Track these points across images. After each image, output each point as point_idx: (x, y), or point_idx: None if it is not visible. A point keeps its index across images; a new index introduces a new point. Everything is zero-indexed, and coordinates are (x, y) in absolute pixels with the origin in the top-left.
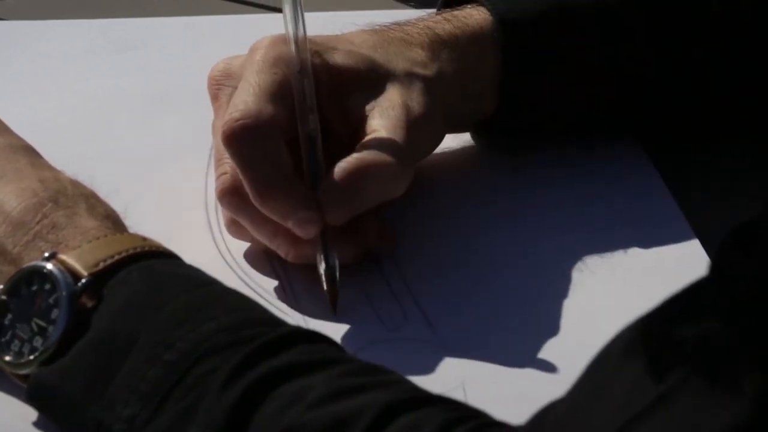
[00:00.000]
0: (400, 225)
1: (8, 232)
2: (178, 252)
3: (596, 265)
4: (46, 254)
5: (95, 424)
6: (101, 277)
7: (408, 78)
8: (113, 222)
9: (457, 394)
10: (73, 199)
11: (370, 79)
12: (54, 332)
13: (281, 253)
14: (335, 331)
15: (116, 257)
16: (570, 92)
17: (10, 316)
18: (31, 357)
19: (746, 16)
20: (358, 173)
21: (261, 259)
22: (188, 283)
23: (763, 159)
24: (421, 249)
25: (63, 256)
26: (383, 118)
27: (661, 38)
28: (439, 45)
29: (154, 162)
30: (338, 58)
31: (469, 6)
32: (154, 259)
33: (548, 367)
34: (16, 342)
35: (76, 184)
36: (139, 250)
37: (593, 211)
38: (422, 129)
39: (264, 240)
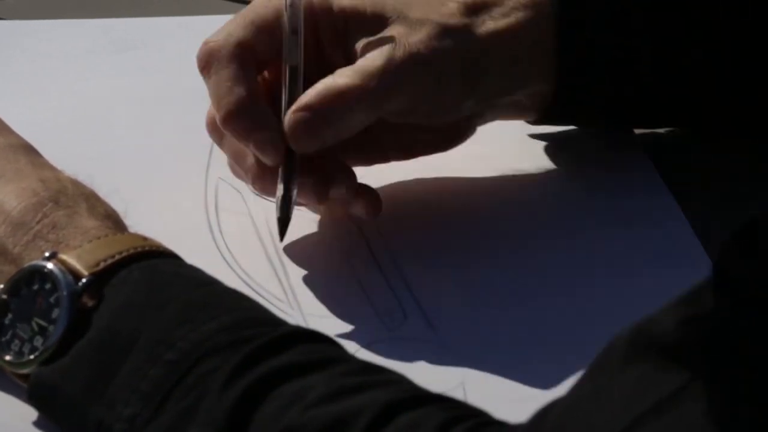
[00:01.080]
0: (401, 225)
1: (8, 231)
2: (178, 252)
3: (597, 265)
4: (47, 254)
5: (96, 423)
6: (102, 277)
7: (419, 22)
8: (114, 222)
9: (457, 394)
10: (73, 198)
11: (375, 22)
12: (54, 332)
13: (249, 183)
14: (335, 331)
15: (117, 257)
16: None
17: (10, 315)
18: (32, 357)
19: (746, 16)
20: (320, 96)
21: (261, 259)
22: (189, 282)
23: (764, 159)
24: (422, 249)
25: (63, 256)
26: (372, 53)
27: (659, 35)
28: (480, 4)
29: (154, 162)
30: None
31: None
32: (155, 259)
33: (548, 367)
34: (17, 342)
35: (76, 184)
36: (139, 249)
37: (594, 211)
38: (414, 71)
39: (238, 171)
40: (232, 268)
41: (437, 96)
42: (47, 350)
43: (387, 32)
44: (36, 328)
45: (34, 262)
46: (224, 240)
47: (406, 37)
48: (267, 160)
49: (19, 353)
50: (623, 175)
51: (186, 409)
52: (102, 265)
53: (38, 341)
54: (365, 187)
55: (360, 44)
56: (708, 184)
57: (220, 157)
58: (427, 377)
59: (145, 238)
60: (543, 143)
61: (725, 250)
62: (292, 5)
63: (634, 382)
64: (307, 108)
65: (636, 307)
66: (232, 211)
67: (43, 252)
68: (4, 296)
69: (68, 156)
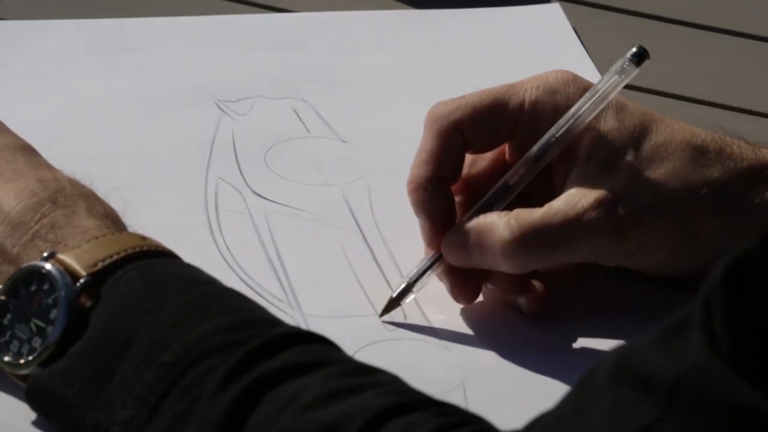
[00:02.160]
0: (401, 224)
1: (7, 232)
2: (178, 251)
3: (598, 267)
4: (45, 254)
5: (92, 426)
6: (100, 277)
7: (646, 182)
8: (112, 221)
9: (457, 394)
10: (72, 198)
11: (602, 158)
12: (53, 333)
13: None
14: (335, 331)
15: (115, 257)
16: None
17: (9, 316)
18: (30, 357)
19: None
20: (476, 234)
21: (261, 259)
22: (186, 282)
23: None
24: (422, 249)
25: (62, 256)
26: (561, 197)
27: None
28: (758, 176)
29: (154, 162)
30: (607, 124)
31: None
32: (153, 259)
33: (548, 368)
34: (15, 342)
35: (75, 184)
36: (138, 249)
37: None
38: (588, 234)
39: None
40: (231, 268)
41: (631, 262)
42: (45, 351)
43: (604, 180)
44: (34, 328)
45: (32, 263)
46: (224, 240)
47: (611, 201)
48: (428, 243)
49: (18, 354)
50: None
51: (182, 411)
52: (100, 265)
53: (37, 342)
54: (531, 285)
55: (573, 176)
56: None
57: (220, 157)
58: (427, 377)
59: (144, 238)
60: None
61: (712, 285)
62: (556, 137)
63: (612, 409)
64: (464, 235)
65: (636, 308)
66: (232, 211)
67: (42, 252)
68: (3, 297)
69: (68, 156)
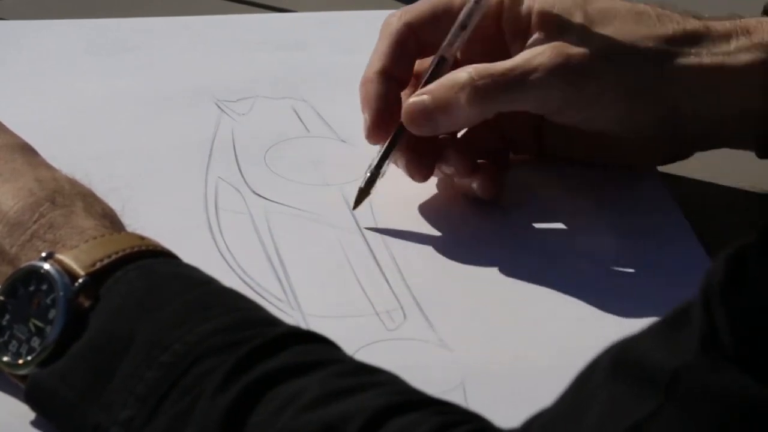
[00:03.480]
0: (401, 225)
1: (5, 232)
2: (178, 252)
3: (598, 267)
4: (44, 254)
5: (92, 426)
6: (98, 277)
7: (599, 38)
8: (111, 221)
9: (457, 394)
10: (70, 198)
11: (558, 26)
12: (51, 333)
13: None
14: (335, 331)
15: (114, 257)
16: None
17: (7, 316)
18: (29, 358)
19: None
20: (439, 86)
21: (261, 259)
22: (186, 282)
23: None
24: (422, 249)
25: (60, 256)
26: (520, 54)
27: None
28: (701, 35)
29: (154, 162)
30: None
31: None
32: (152, 259)
33: (549, 368)
34: (14, 343)
35: (73, 183)
36: (136, 249)
37: (595, 213)
38: (545, 77)
39: None
40: (231, 267)
41: (588, 114)
42: (44, 351)
43: (558, 38)
44: (33, 329)
45: (31, 263)
46: (224, 240)
47: (566, 48)
48: (365, 132)
49: (17, 354)
50: (625, 177)
51: (182, 411)
52: (99, 265)
53: (35, 342)
54: (483, 166)
55: (529, 44)
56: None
57: (220, 157)
58: (427, 377)
59: (142, 238)
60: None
61: (711, 276)
62: (478, 2)
63: (612, 402)
64: (425, 93)
65: (636, 308)
66: (232, 211)
67: (40, 252)
68: (1, 297)
69: (67, 156)
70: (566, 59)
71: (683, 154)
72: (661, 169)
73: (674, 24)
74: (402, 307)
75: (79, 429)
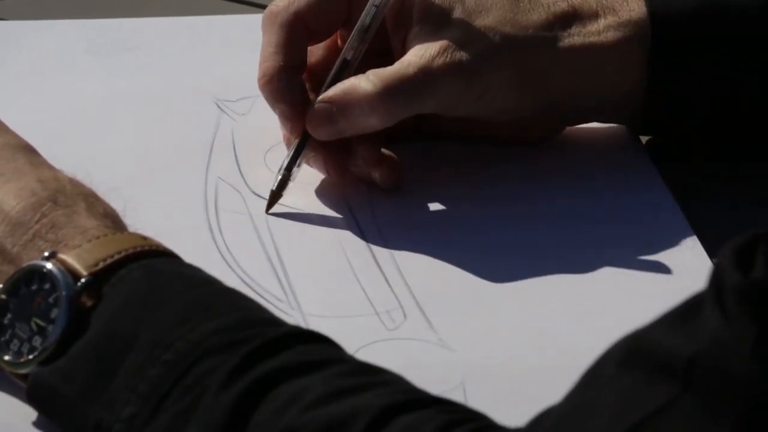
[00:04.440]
0: (401, 224)
1: (7, 231)
2: (178, 251)
3: (597, 266)
4: (46, 254)
5: (94, 424)
6: (101, 277)
7: (481, 32)
8: (113, 221)
9: (457, 394)
10: (72, 198)
11: (440, 16)
12: (53, 332)
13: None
14: (335, 331)
15: (116, 256)
16: (721, 99)
17: (9, 315)
18: (31, 356)
19: None
20: (342, 94)
21: (261, 259)
22: (188, 282)
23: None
24: (422, 248)
25: (63, 256)
26: (408, 56)
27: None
28: (571, 17)
29: (154, 161)
30: None
31: None
32: (154, 259)
33: (549, 368)
34: (16, 341)
35: (75, 183)
36: (138, 249)
37: (594, 212)
38: (445, 84)
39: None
40: (231, 267)
41: (478, 106)
42: (46, 350)
43: (441, 34)
44: (35, 328)
45: (33, 262)
46: (224, 240)
47: (454, 48)
48: (285, 131)
49: (18, 353)
50: (624, 175)
51: (184, 409)
52: (101, 264)
53: (37, 341)
54: (387, 157)
55: (411, 37)
56: (708, 185)
57: (220, 157)
58: (427, 377)
59: (144, 238)
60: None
61: (722, 264)
62: (377, 5)
63: (625, 393)
64: (328, 101)
65: (636, 308)
66: (232, 211)
67: (42, 252)
68: (3, 296)
69: (68, 156)
70: (454, 57)
71: (557, 130)
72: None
73: (545, 9)
74: (402, 307)
75: (81, 428)
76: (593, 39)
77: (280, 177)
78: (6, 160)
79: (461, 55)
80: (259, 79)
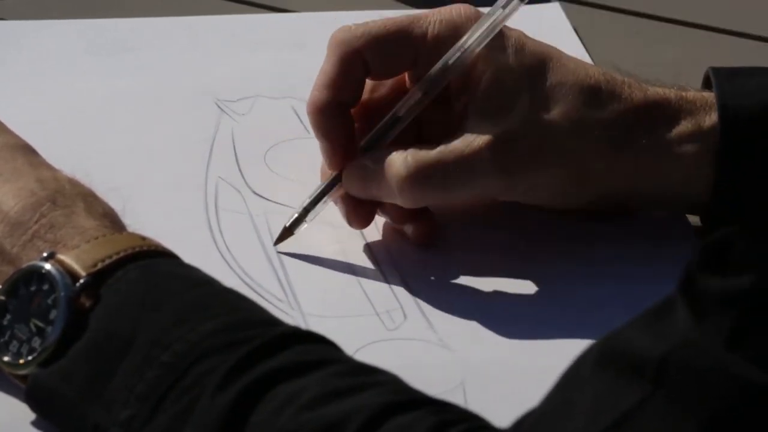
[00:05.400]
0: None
1: (6, 231)
2: (178, 252)
3: (597, 265)
4: (45, 254)
5: (93, 426)
6: (100, 277)
7: (538, 123)
8: (111, 221)
9: (457, 394)
10: (71, 198)
11: (497, 101)
12: (52, 333)
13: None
14: (335, 331)
15: (115, 257)
16: None
17: (8, 316)
18: (30, 358)
19: None
20: (367, 169)
21: (261, 259)
22: (186, 282)
23: None
24: (422, 249)
25: (61, 256)
26: (457, 137)
27: None
28: (646, 115)
29: (154, 161)
30: (506, 63)
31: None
32: (153, 259)
33: (548, 368)
34: (15, 342)
35: (74, 183)
36: (137, 249)
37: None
38: (483, 175)
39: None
40: (231, 267)
41: (524, 198)
42: (45, 351)
43: (499, 121)
44: (34, 329)
45: (32, 263)
46: (224, 240)
47: (505, 142)
48: (328, 164)
49: (17, 354)
50: None
51: (182, 410)
52: (100, 265)
53: (36, 342)
54: (420, 213)
55: (470, 112)
56: None
57: (220, 157)
58: (427, 377)
59: (143, 238)
60: None
61: (693, 264)
62: (446, 71)
63: (600, 394)
64: (364, 168)
65: (637, 308)
66: (232, 211)
67: (41, 252)
68: (2, 297)
69: (68, 156)
70: (505, 152)
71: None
72: None
73: (623, 103)
74: (402, 307)
75: (80, 429)
76: (666, 149)
77: (296, 215)
78: (5, 160)
79: (511, 151)
80: (308, 107)
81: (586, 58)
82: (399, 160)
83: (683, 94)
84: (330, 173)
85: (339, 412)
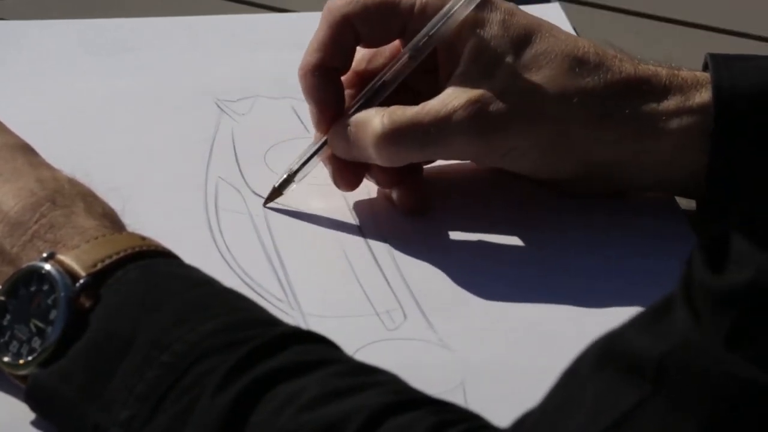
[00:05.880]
0: (401, 225)
1: (6, 232)
2: (178, 252)
3: (597, 265)
4: (45, 254)
5: (92, 426)
6: (99, 277)
7: (521, 85)
8: (111, 221)
9: (457, 394)
10: (70, 198)
11: (479, 63)
12: (52, 333)
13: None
14: (335, 331)
15: (114, 257)
16: None
17: (8, 316)
18: (30, 358)
19: None
20: (357, 125)
21: (261, 259)
22: (186, 283)
23: None
24: (422, 249)
25: (61, 257)
26: (438, 96)
27: None
28: (635, 89)
29: (154, 161)
30: (492, 30)
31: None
32: (152, 259)
33: (548, 368)
34: (15, 343)
35: (73, 183)
36: (137, 249)
37: (593, 211)
38: (459, 133)
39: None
40: (231, 267)
41: (505, 162)
42: (45, 352)
43: (482, 83)
44: (34, 329)
45: (32, 263)
46: (224, 240)
47: (486, 101)
48: (315, 125)
49: (17, 354)
50: None
51: (181, 411)
52: (100, 265)
53: (36, 343)
54: (408, 179)
55: (454, 76)
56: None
57: (220, 157)
58: (427, 377)
59: (143, 238)
60: None
61: (693, 263)
62: (431, 36)
63: (599, 394)
64: (346, 128)
65: (637, 307)
66: (232, 211)
67: (41, 252)
68: (2, 297)
69: (68, 156)
70: (481, 112)
71: (603, 193)
72: None
73: (606, 74)
74: (402, 307)
75: (79, 429)
76: (650, 122)
77: (285, 176)
78: (5, 160)
79: (490, 110)
80: (299, 70)
81: None
82: (376, 119)
83: (675, 72)
84: (319, 136)
85: (339, 412)
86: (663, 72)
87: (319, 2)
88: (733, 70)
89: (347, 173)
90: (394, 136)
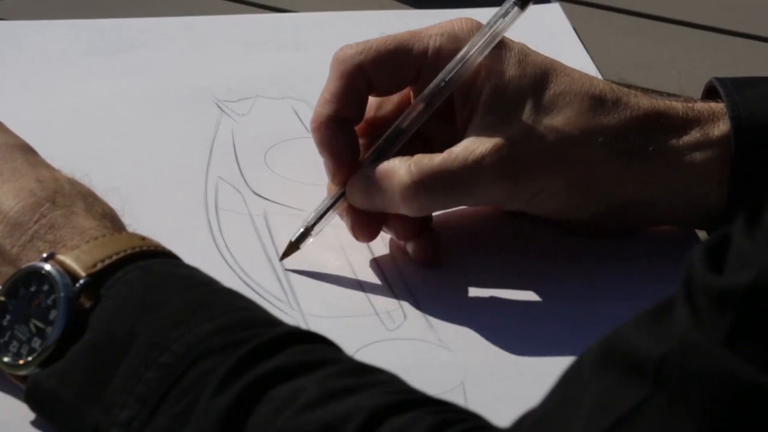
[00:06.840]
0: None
1: (6, 232)
2: (178, 252)
3: (597, 265)
4: (45, 255)
5: (92, 427)
6: (99, 278)
7: (542, 129)
8: (111, 221)
9: (457, 394)
10: (70, 198)
11: (500, 108)
12: (52, 334)
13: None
14: (335, 331)
15: (114, 257)
16: None
17: (8, 317)
18: (30, 358)
19: None
20: (380, 175)
21: (261, 259)
22: (185, 283)
23: None
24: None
25: (61, 257)
26: (461, 143)
27: None
28: (653, 125)
29: (154, 161)
30: (509, 73)
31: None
32: (153, 259)
33: (548, 368)
34: (15, 343)
35: (73, 183)
36: (137, 249)
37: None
38: (488, 180)
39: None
40: (231, 267)
41: (530, 206)
42: (45, 352)
43: (502, 128)
44: (34, 329)
45: (32, 263)
46: (224, 240)
47: (509, 147)
48: (331, 178)
49: (17, 354)
50: None
51: (181, 412)
52: (99, 266)
53: (36, 343)
54: (425, 232)
55: (474, 122)
56: None
57: (220, 157)
58: (427, 377)
59: (143, 238)
60: None
61: (693, 264)
62: (447, 83)
63: (600, 394)
64: (367, 179)
65: (637, 307)
66: (232, 211)
67: (41, 253)
68: (2, 297)
69: (68, 156)
70: (509, 157)
71: (627, 231)
72: None
73: (629, 110)
74: (402, 307)
75: (79, 430)
76: (674, 158)
77: (301, 230)
78: (5, 160)
79: (514, 157)
80: (311, 123)
81: (586, 59)
82: (402, 168)
83: (690, 104)
84: (334, 188)
85: (338, 412)
86: (679, 105)
87: (319, 2)
88: (745, 97)
89: (367, 224)
90: (423, 185)
